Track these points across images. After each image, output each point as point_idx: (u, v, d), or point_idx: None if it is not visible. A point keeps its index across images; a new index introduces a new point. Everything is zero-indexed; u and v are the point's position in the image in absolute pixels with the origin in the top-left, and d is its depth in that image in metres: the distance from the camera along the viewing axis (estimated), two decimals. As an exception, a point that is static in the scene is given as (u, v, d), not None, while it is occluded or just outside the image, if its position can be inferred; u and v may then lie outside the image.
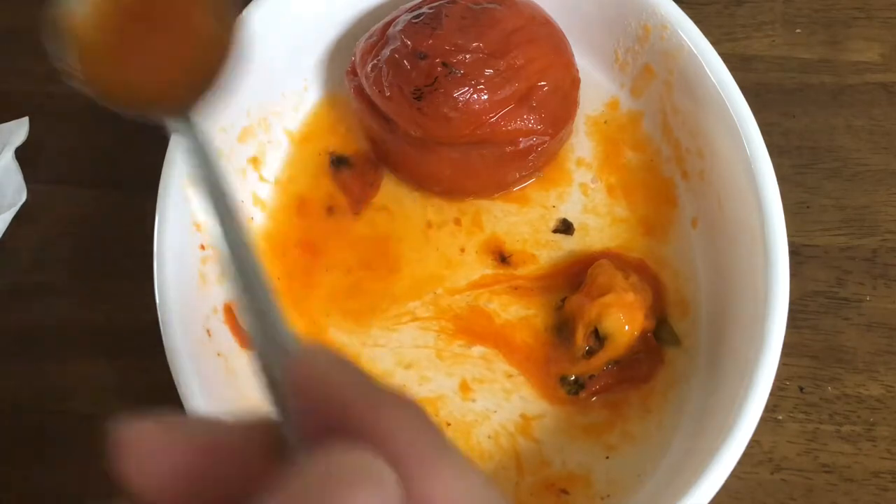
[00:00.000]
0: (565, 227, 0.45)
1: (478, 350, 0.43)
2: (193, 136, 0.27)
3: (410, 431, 0.17)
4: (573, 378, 0.42)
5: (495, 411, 0.42)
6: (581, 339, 0.41)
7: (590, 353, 0.41)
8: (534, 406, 0.42)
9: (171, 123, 0.28)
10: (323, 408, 0.17)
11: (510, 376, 0.42)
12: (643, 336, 0.41)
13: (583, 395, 0.42)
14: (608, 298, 0.40)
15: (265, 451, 0.18)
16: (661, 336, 0.42)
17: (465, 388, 0.42)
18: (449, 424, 0.41)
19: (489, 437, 0.41)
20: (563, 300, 0.43)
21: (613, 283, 0.41)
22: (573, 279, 0.44)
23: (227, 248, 0.23)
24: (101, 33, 0.28)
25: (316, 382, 0.17)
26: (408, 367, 0.43)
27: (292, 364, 0.18)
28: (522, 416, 0.42)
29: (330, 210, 0.46)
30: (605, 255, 0.44)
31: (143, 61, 0.29)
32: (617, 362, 0.42)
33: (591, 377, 0.42)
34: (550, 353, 0.43)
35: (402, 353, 0.43)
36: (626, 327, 0.40)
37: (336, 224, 0.45)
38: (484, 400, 0.42)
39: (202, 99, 0.28)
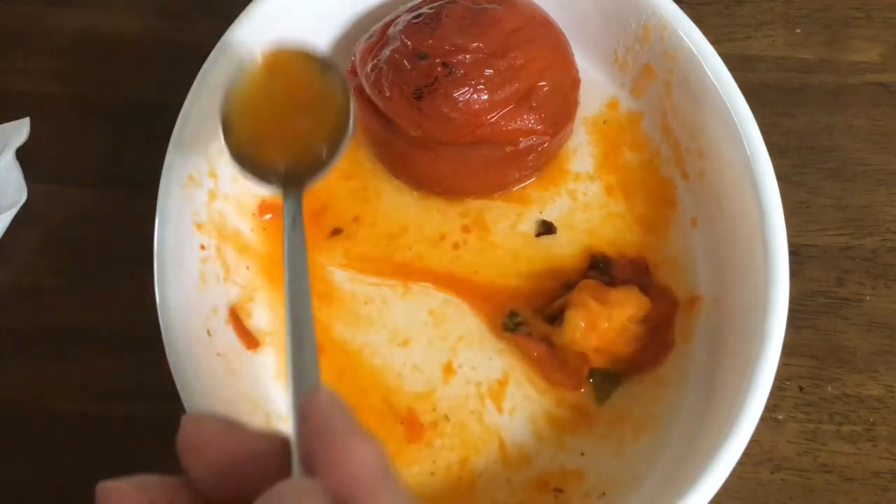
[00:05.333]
0: (546, 229, 0.45)
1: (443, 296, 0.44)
2: (299, 205, 0.34)
3: (366, 468, 0.22)
4: (519, 318, 0.43)
5: (477, 383, 0.43)
6: (555, 304, 0.42)
7: (548, 318, 0.42)
8: (516, 391, 0.42)
9: (287, 191, 0.35)
10: (314, 437, 0.23)
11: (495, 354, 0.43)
12: (583, 360, 0.41)
13: (508, 336, 0.42)
14: (593, 306, 0.41)
15: (285, 462, 0.23)
16: (596, 379, 0.42)
17: (448, 370, 0.43)
18: (447, 418, 0.42)
19: (472, 412, 0.42)
20: (600, 275, 0.43)
21: (617, 307, 0.41)
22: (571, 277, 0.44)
23: (289, 304, 0.29)
24: (249, 119, 0.37)
25: (315, 417, 0.23)
26: (403, 343, 0.43)
27: (304, 401, 0.24)
28: (498, 381, 0.42)
29: (336, 231, 0.45)
30: (667, 302, 0.43)
31: (278, 141, 0.37)
32: (552, 344, 0.42)
33: (529, 333, 0.42)
34: (517, 294, 0.44)
35: (397, 331, 0.44)
36: (578, 335, 0.41)
37: (339, 243, 0.45)
38: (467, 381, 0.43)
39: (316, 174, 0.36)
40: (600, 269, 0.44)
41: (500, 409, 0.42)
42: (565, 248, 0.45)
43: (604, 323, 0.41)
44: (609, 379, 0.42)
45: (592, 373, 0.42)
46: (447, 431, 0.42)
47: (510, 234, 0.45)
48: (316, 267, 0.45)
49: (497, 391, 0.42)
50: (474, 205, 0.46)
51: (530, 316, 0.43)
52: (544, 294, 0.44)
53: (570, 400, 0.42)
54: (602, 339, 0.41)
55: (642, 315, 0.42)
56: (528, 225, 0.46)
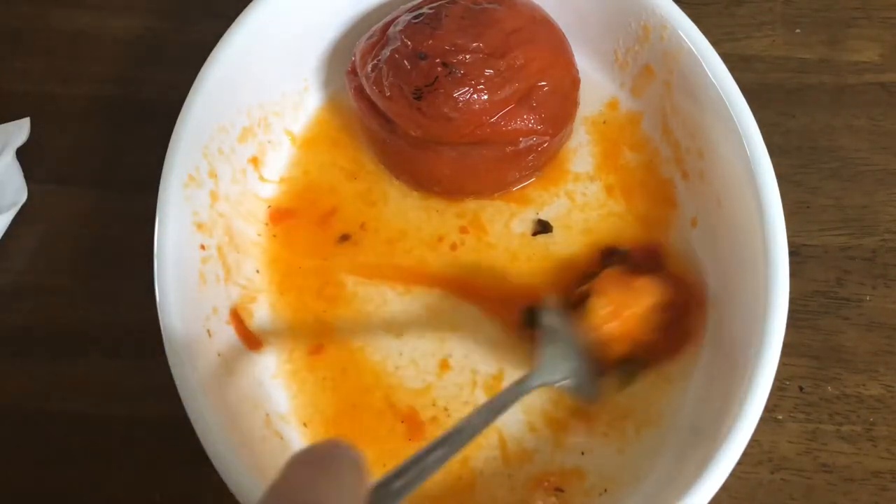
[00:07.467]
0: (542, 228, 0.45)
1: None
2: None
3: None
4: (535, 312, 0.42)
5: (476, 370, 0.43)
6: (577, 291, 0.42)
7: (572, 304, 0.42)
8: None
9: None
10: None
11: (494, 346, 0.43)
12: (606, 348, 0.41)
13: (530, 332, 0.42)
14: (616, 294, 0.41)
15: None
16: (623, 365, 0.42)
17: (444, 366, 0.43)
18: (447, 411, 0.42)
19: (466, 402, 0.42)
20: (615, 263, 0.43)
21: (640, 295, 0.41)
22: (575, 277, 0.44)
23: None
24: None
25: None
26: (398, 335, 0.44)
27: None
28: (495, 377, 0.43)
29: (344, 237, 0.46)
30: (684, 290, 0.43)
31: None
32: None
33: None
34: (530, 292, 0.44)
35: (394, 321, 0.44)
36: (600, 323, 0.40)
37: (347, 250, 0.45)
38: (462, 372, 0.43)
39: None
40: (619, 259, 0.44)
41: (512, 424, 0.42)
42: (564, 247, 0.45)
43: (627, 311, 0.41)
44: (632, 370, 0.42)
45: (622, 361, 0.42)
46: (447, 425, 0.42)
47: (507, 233, 0.45)
48: (325, 272, 0.45)
49: (493, 386, 0.42)
50: (473, 205, 0.46)
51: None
52: (562, 287, 0.44)
53: (568, 399, 0.42)
54: (625, 326, 0.41)
55: (664, 303, 0.41)
56: (527, 225, 0.46)
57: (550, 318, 0.40)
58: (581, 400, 0.41)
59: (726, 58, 0.42)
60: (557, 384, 0.39)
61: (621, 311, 0.41)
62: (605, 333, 0.41)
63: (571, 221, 0.45)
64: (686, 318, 0.42)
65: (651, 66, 0.45)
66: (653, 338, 0.41)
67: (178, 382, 0.37)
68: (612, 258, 0.44)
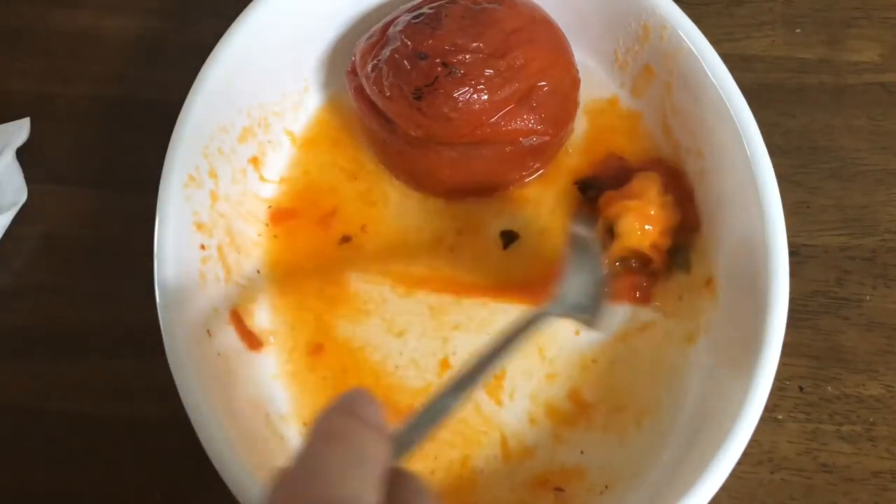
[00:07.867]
0: (508, 238, 0.45)
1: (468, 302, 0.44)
2: None
3: None
4: None
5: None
6: (599, 230, 0.43)
7: (603, 246, 0.43)
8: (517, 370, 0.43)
9: None
10: None
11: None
12: (656, 249, 0.42)
13: None
14: (631, 203, 0.42)
15: None
16: (674, 257, 0.43)
17: (445, 365, 0.43)
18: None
19: (469, 411, 0.42)
20: (600, 193, 0.44)
21: (645, 192, 0.42)
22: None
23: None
24: None
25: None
26: (398, 335, 0.43)
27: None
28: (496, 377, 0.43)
29: (345, 239, 0.45)
30: (659, 168, 0.44)
31: None
32: (626, 267, 0.43)
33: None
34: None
35: (394, 321, 0.44)
36: (638, 233, 0.42)
37: (348, 252, 0.45)
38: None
39: None
40: (598, 185, 0.45)
41: (498, 402, 0.42)
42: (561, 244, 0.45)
43: (650, 210, 0.42)
44: (681, 251, 0.43)
45: (670, 255, 0.43)
46: (447, 425, 0.42)
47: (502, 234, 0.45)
48: (325, 273, 0.45)
49: (493, 385, 0.42)
50: (472, 206, 0.46)
51: None
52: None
53: (569, 389, 0.42)
54: (657, 223, 0.42)
55: (663, 185, 0.43)
56: (523, 224, 0.46)
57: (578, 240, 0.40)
58: (589, 327, 0.40)
59: (726, 58, 0.42)
60: (570, 317, 0.39)
61: (647, 215, 0.42)
62: (650, 240, 0.42)
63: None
64: (681, 187, 0.44)
65: (651, 66, 0.45)
66: (677, 216, 0.43)
67: (178, 382, 0.37)
68: (590, 189, 0.45)
